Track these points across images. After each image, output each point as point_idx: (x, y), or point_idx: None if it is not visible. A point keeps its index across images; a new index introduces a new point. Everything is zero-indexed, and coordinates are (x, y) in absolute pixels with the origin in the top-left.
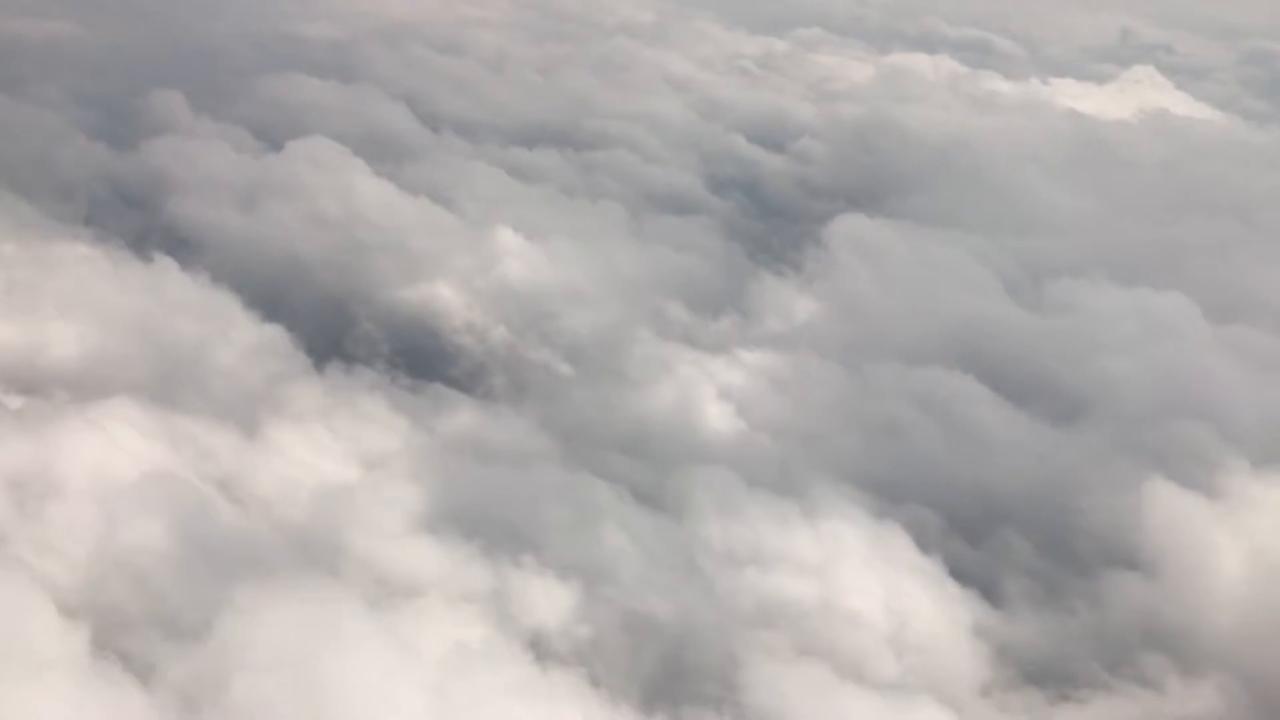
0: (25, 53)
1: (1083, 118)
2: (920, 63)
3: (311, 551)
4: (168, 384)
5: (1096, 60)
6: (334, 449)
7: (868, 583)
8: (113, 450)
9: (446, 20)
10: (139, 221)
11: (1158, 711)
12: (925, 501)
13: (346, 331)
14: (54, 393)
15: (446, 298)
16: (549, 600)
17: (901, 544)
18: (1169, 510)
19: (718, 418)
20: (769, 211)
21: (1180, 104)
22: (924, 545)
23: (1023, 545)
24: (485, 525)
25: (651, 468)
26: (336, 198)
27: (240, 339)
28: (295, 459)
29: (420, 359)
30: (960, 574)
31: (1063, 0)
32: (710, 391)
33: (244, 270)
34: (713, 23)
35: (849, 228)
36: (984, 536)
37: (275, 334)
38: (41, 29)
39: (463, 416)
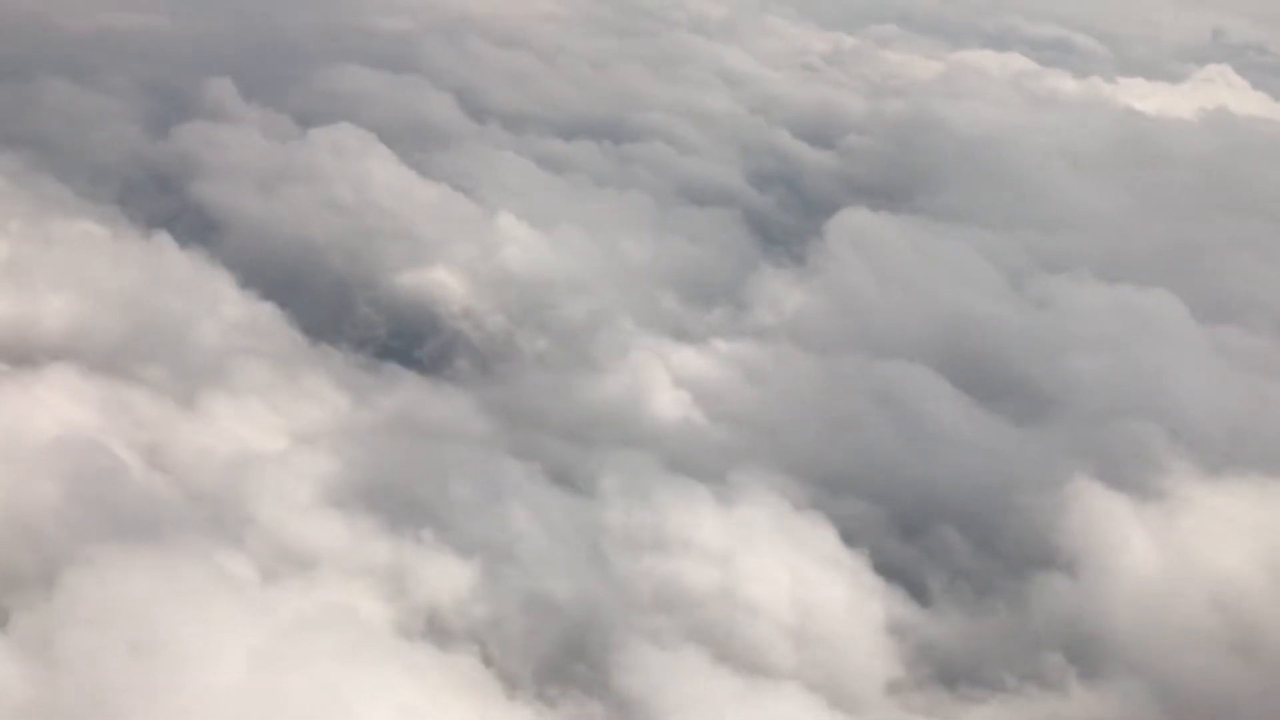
0: (108, 43)
1: (1139, 116)
2: (989, 60)
3: (219, 519)
4: (131, 354)
5: (1183, 60)
6: (269, 422)
7: (775, 573)
8: (38, 414)
9: (518, 15)
10: (166, 203)
11: (1063, 714)
12: (870, 496)
13: (345, 313)
14: (38, 360)
15: (445, 283)
16: (447, 577)
17: (824, 536)
18: (1098, 513)
19: (668, 405)
20: (806, 206)
21: (1254, 104)
22: (853, 539)
23: (961, 543)
24: (394, 501)
25: (586, 452)
26: (353, 184)
27: (227, 315)
28: (226, 430)
29: (409, 342)
30: (890, 570)
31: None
32: (666, 379)
33: (252, 250)
34: (785, 18)
35: (850, 222)
36: (922, 533)
37: (264, 312)
38: (129, 21)
39: (409, 396)
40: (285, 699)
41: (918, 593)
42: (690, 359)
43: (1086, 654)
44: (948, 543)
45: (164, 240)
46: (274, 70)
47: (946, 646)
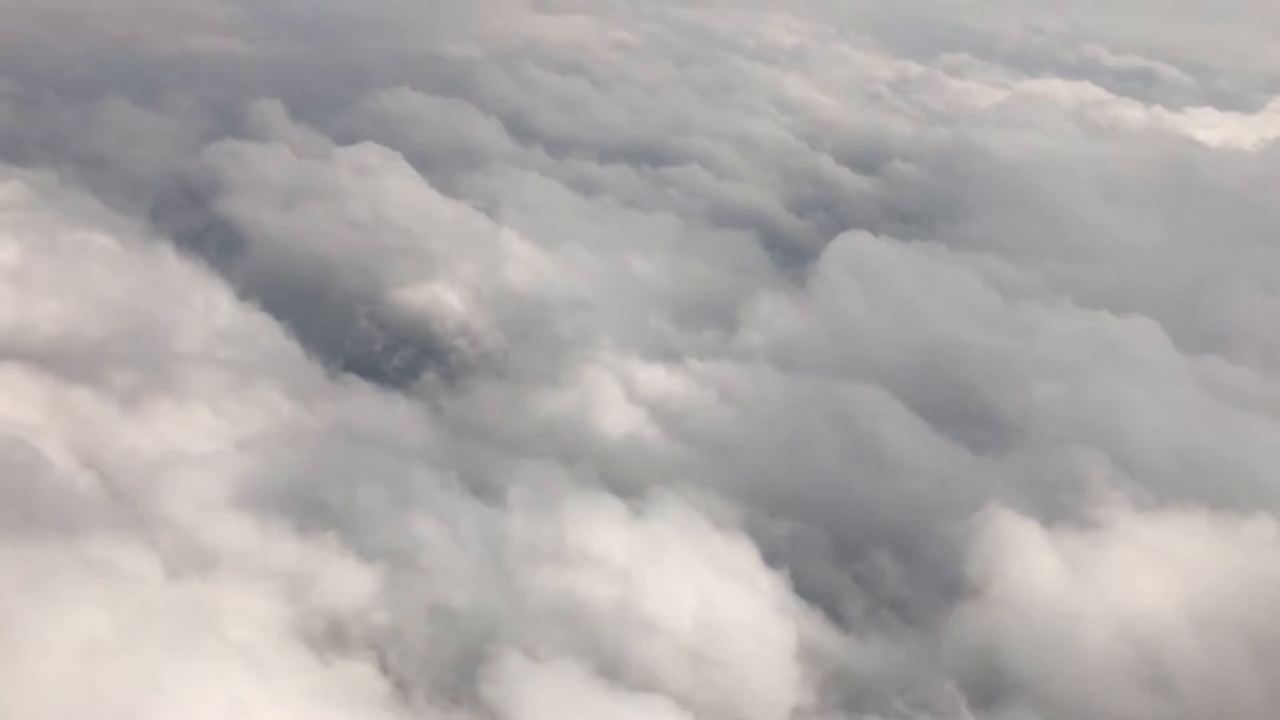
0: (182, 65)
1: (1194, 146)
2: (1059, 89)
3: (136, 518)
4: (101, 358)
5: (1269, 91)
6: (210, 427)
7: (679, 591)
8: None
9: (585, 43)
10: (194, 218)
11: None
12: (810, 517)
13: (346, 326)
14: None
15: (444, 299)
16: (347, 582)
17: (742, 556)
18: (1011, 542)
19: (615, 421)
20: (842, 231)
21: None
22: (778, 560)
23: (893, 569)
24: (308, 505)
25: (514, 464)
26: (371, 201)
27: (214, 324)
28: (164, 433)
29: (402, 356)
30: (814, 593)
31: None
32: (618, 395)
33: (265, 263)
34: (858, 47)
35: (849, 246)
36: (855, 558)
37: (256, 322)
38: (209, 44)
39: (357, 405)
40: (107, 689)
41: (840, 618)
42: (658, 377)
43: (983, 684)
44: (880, 568)
45: (165, 251)
46: (330, 93)
47: (861, 673)
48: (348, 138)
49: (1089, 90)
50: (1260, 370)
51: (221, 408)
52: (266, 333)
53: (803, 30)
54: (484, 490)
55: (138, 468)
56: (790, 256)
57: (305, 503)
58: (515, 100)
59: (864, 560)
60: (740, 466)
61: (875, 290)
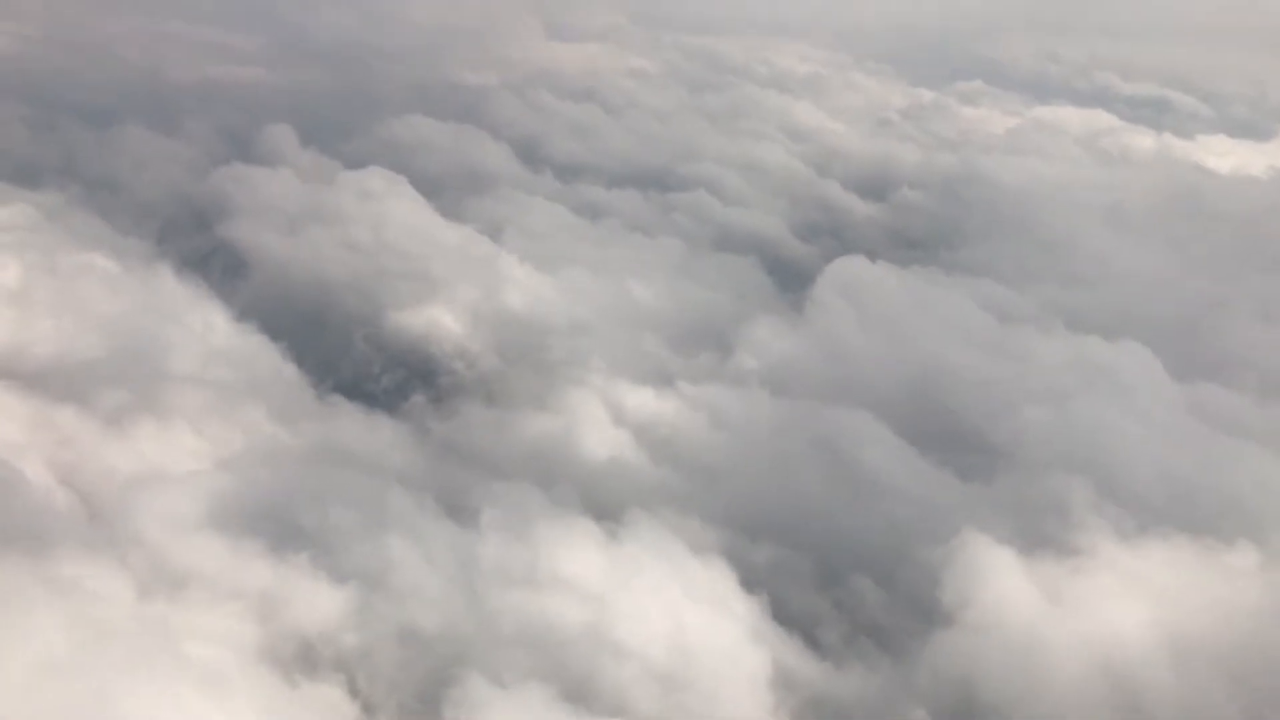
0: (203, 92)
1: (1203, 173)
2: (1071, 116)
3: (111, 537)
4: (91, 378)
5: None
6: (192, 447)
7: (652, 615)
8: None
9: (601, 70)
10: (200, 240)
11: None
12: (793, 543)
13: (344, 349)
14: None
15: (442, 322)
16: (319, 605)
17: (718, 581)
18: (986, 569)
19: (600, 444)
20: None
21: None
22: (756, 586)
23: (874, 596)
24: (282, 526)
25: (491, 486)
26: (373, 225)
27: (209, 345)
28: (146, 453)
29: (398, 378)
30: (792, 619)
31: None
32: (604, 419)
33: (265, 286)
34: (873, 75)
35: (845, 271)
36: (836, 583)
37: (253, 344)
38: (234, 74)
39: (342, 427)
40: (58, 708)
41: (818, 644)
42: (646, 401)
43: (958, 712)
44: (861, 594)
45: (165, 273)
46: (344, 119)
47: (836, 700)
48: (358, 163)
49: (1101, 118)
50: (1257, 398)
51: (205, 429)
52: (262, 355)
53: (818, 59)
54: (460, 513)
55: (115, 487)
56: (793, 282)
57: (280, 524)
58: (526, 126)
59: (845, 586)
60: (724, 491)
61: (870, 315)
